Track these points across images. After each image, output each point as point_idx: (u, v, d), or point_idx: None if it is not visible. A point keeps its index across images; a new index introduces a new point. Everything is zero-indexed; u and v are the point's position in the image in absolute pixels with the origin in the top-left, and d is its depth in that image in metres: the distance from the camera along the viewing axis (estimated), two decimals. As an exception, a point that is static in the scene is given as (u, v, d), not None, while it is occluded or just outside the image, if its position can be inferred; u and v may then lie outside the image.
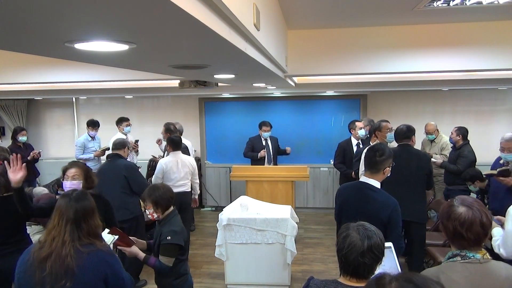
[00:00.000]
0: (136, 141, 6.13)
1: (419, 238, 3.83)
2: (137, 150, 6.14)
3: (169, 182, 4.44)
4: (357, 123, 5.39)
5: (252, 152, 6.01)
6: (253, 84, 4.47)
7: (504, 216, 2.59)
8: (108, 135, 6.26)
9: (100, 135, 6.44)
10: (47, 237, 1.91)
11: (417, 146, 5.26)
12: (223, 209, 4.29)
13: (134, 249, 2.70)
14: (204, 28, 1.20)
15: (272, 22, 2.46)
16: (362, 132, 5.26)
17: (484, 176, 4.39)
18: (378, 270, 1.70)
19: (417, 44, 3.54)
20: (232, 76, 3.08)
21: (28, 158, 5.70)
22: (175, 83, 4.16)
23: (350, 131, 5.48)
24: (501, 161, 3.93)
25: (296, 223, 4.13)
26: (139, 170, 4.43)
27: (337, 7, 2.98)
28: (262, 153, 5.95)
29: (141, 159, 6.32)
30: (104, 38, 1.32)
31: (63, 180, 2.96)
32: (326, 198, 7.17)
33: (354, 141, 5.39)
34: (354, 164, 4.74)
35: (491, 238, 3.66)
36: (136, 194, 4.18)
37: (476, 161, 4.98)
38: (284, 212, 4.16)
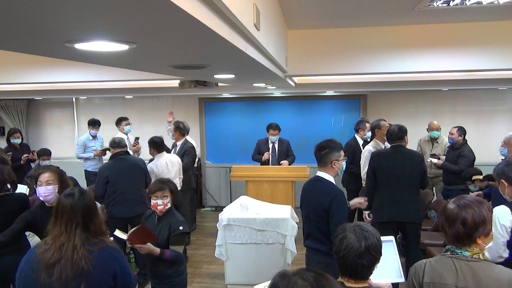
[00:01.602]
0: (137, 138, 6.10)
1: (415, 239, 3.82)
2: (138, 148, 6.07)
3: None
4: (367, 124, 5.21)
5: (258, 155, 5.86)
6: (253, 84, 4.47)
7: None
8: (108, 135, 6.26)
9: (101, 135, 6.44)
10: (53, 242, 1.87)
11: (413, 147, 5.27)
12: (223, 209, 4.29)
13: (150, 245, 2.71)
14: (204, 28, 1.20)
15: (272, 22, 2.46)
16: (369, 134, 5.14)
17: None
18: (376, 267, 1.70)
19: (417, 44, 3.54)
20: (232, 76, 3.08)
21: (21, 162, 5.64)
22: (175, 83, 4.17)
23: (358, 132, 5.28)
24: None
25: (296, 223, 4.12)
26: None
27: (337, 7, 2.98)
28: (266, 155, 5.73)
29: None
30: (104, 38, 1.32)
31: (36, 186, 2.77)
32: (326, 198, 7.14)
33: (360, 141, 5.26)
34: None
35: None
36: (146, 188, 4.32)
37: (475, 160, 5.00)
38: (284, 212, 4.16)
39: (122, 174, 4.16)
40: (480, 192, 4.14)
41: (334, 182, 2.82)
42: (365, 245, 1.62)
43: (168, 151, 5.31)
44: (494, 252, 2.45)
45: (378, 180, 3.84)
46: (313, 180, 2.90)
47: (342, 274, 1.69)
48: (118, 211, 4.08)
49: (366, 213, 4.02)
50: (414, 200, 3.77)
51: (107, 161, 4.57)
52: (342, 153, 2.83)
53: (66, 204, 1.92)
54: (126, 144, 4.43)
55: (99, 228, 1.97)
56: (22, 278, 1.88)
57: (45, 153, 5.46)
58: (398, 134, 3.84)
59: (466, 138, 5.11)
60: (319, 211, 2.74)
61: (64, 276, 1.80)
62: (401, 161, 3.76)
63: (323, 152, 2.79)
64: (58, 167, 3.16)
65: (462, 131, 5.06)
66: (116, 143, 4.32)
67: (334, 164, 2.78)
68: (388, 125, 4.54)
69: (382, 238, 2.19)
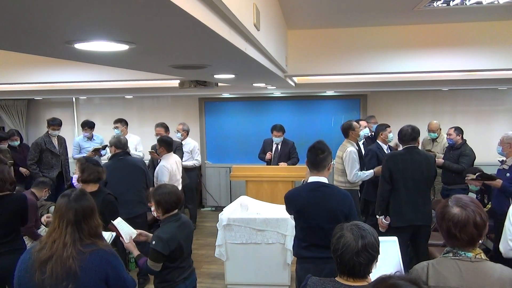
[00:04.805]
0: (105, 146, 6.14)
1: (426, 240, 3.81)
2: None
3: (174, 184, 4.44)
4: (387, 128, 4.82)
5: (263, 154, 5.94)
6: (253, 84, 4.47)
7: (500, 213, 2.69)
8: (108, 135, 6.24)
9: (101, 135, 6.43)
10: (47, 239, 1.89)
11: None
12: (223, 209, 4.29)
13: (130, 245, 2.71)
14: (204, 28, 1.20)
15: (272, 22, 2.46)
16: (391, 136, 4.85)
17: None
18: (375, 266, 1.70)
19: (417, 44, 3.54)
20: (232, 76, 3.08)
21: (24, 175, 5.78)
22: (175, 83, 4.16)
23: (379, 136, 4.84)
24: (500, 167, 3.97)
25: (296, 223, 4.12)
26: None
27: (337, 7, 2.98)
28: (268, 155, 5.83)
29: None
30: (104, 38, 1.32)
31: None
32: (326, 198, 7.14)
33: (384, 146, 4.82)
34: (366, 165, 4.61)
35: (491, 238, 3.71)
36: (147, 188, 4.32)
37: (475, 159, 5.02)
38: (284, 212, 4.15)
39: (121, 175, 4.13)
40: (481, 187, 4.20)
41: None
42: (362, 244, 1.62)
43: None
44: (506, 244, 2.53)
45: (394, 183, 3.72)
46: (315, 187, 2.66)
47: (340, 273, 1.69)
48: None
49: (380, 218, 3.81)
50: (428, 202, 3.76)
51: (114, 159, 4.53)
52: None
53: (60, 203, 1.95)
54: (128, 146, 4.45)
55: (93, 229, 1.95)
56: (17, 279, 1.89)
57: (54, 123, 5.74)
58: (411, 135, 3.79)
59: (465, 138, 5.12)
60: (336, 218, 2.50)
61: (55, 275, 1.80)
62: (418, 163, 3.71)
63: (323, 156, 2.63)
64: (84, 157, 3.61)
65: (459, 131, 5.07)
66: (123, 144, 4.28)
67: (330, 167, 2.67)
68: (359, 125, 4.53)
69: (386, 238, 2.20)
